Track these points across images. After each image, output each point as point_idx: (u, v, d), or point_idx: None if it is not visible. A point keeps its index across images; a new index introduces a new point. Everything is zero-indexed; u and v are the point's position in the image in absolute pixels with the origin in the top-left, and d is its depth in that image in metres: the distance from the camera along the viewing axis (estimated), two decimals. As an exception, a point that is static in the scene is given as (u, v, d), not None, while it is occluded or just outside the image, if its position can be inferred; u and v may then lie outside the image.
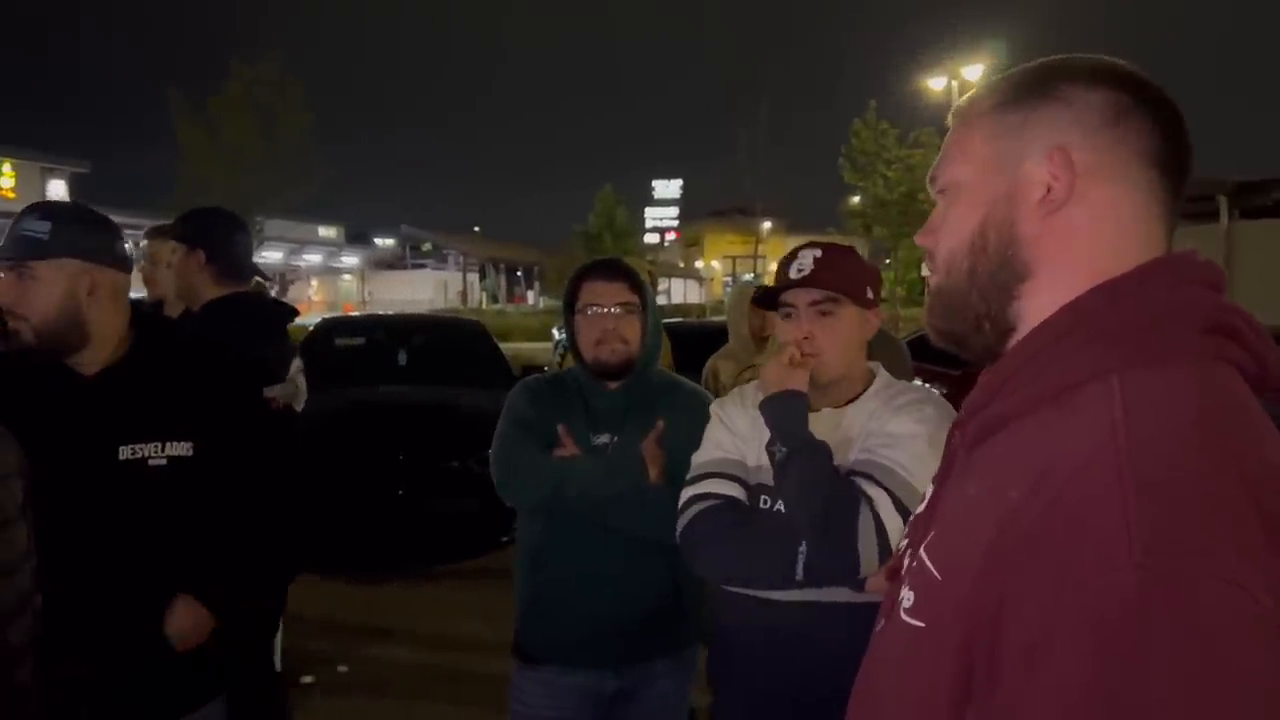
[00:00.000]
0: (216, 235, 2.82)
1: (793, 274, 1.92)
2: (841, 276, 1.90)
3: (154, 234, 3.52)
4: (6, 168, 34.55)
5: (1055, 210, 0.86)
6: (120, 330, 1.95)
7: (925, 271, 0.99)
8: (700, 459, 2.00)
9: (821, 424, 1.89)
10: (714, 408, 2.08)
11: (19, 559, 1.30)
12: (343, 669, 4.47)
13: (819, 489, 1.75)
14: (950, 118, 0.98)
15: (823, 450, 1.80)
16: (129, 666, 1.79)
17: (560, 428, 2.27)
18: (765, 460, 1.86)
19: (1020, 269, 0.87)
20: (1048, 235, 0.87)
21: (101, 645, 1.67)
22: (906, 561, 0.87)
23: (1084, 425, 0.76)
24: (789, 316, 1.93)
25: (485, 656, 4.41)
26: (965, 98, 0.97)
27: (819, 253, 1.92)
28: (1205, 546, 0.67)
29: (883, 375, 1.98)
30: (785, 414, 1.83)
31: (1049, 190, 0.86)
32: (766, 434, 1.85)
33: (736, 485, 1.92)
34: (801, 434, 1.81)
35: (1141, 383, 0.77)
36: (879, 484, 1.76)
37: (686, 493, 1.96)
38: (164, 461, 1.86)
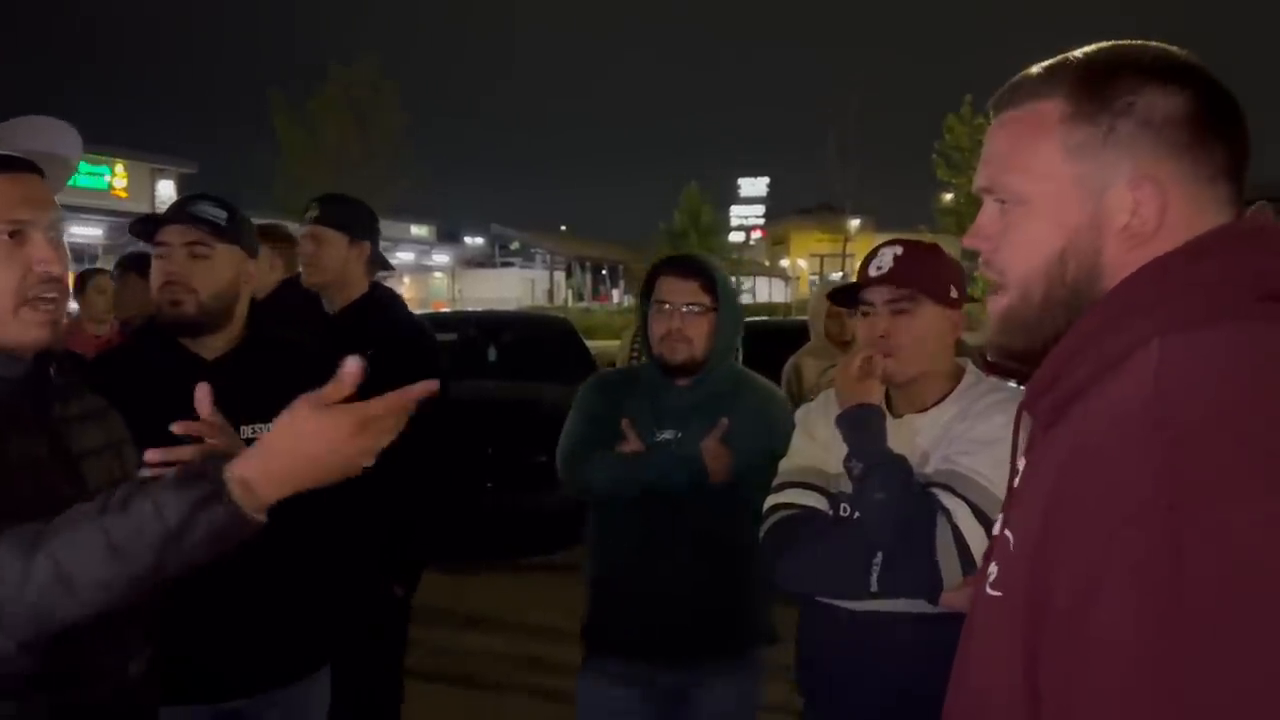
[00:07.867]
0: (377, 230, 2.92)
1: (871, 272, 1.88)
2: (922, 274, 1.85)
3: (320, 222, 3.08)
4: (119, 168, 35.99)
5: (1142, 244, 0.84)
6: (244, 320, 2.08)
7: (984, 285, 0.95)
8: (784, 467, 1.99)
9: (905, 430, 1.85)
10: (799, 414, 2.06)
11: None
12: (430, 657, 4.57)
13: (897, 505, 1.72)
14: (995, 109, 0.93)
15: (900, 465, 1.76)
16: (236, 628, 1.89)
17: (624, 422, 2.29)
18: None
19: (1098, 295, 0.85)
20: (1130, 266, 0.84)
21: (212, 606, 1.76)
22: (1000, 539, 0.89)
23: (1123, 388, 0.77)
24: (867, 315, 1.89)
25: (568, 649, 4.44)
26: (1011, 90, 0.91)
27: (899, 250, 1.88)
28: (1239, 489, 0.67)
29: (971, 373, 1.92)
30: (860, 429, 1.79)
31: (1132, 218, 0.84)
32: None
33: (816, 494, 1.90)
34: (878, 450, 1.77)
35: (1182, 343, 0.77)
36: (957, 494, 1.72)
37: (768, 502, 1.95)
38: None
